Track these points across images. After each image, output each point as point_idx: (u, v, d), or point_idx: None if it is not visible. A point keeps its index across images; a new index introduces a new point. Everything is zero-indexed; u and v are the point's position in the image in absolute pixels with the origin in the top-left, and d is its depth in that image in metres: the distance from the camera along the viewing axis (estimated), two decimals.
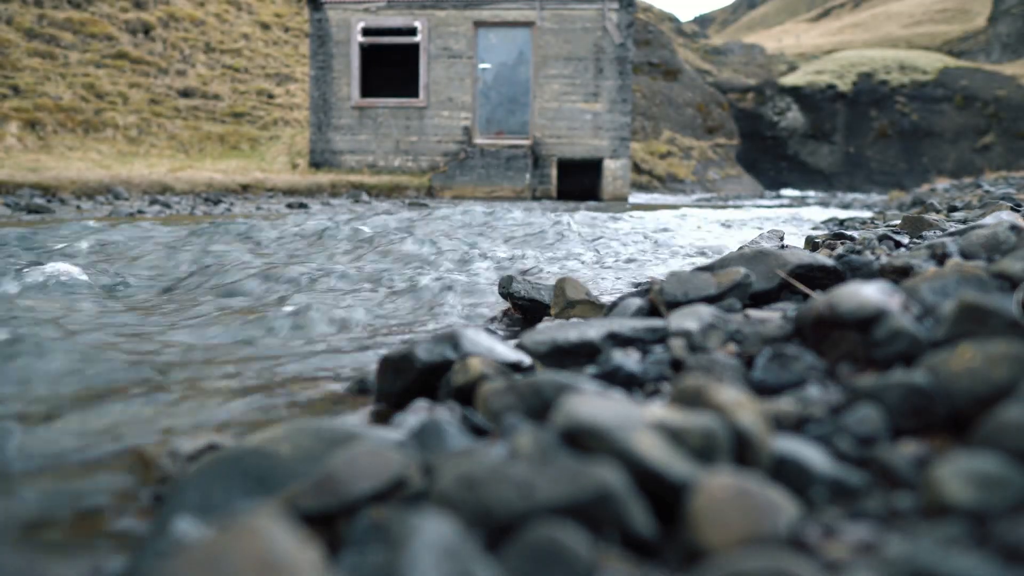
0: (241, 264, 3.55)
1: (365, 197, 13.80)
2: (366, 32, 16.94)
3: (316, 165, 17.18)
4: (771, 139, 37.54)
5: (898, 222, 3.96)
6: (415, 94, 17.32)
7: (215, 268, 3.49)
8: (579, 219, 7.31)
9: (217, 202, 10.81)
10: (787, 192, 31.02)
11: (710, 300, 1.56)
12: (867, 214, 9.30)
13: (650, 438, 0.76)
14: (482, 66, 16.78)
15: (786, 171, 37.49)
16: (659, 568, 0.67)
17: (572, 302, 2.10)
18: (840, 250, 2.36)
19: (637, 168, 26.77)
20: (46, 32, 20.65)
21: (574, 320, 1.91)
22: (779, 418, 0.95)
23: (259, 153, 19.39)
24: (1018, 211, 3.60)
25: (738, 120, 35.69)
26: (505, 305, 2.54)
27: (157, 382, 1.62)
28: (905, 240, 2.69)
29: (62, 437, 1.27)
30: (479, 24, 16.70)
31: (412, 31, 16.87)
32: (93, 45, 21.19)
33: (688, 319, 1.35)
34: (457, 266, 3.85)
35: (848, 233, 3.38)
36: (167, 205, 9.78)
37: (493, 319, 2.47)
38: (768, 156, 37.55)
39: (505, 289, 2.40)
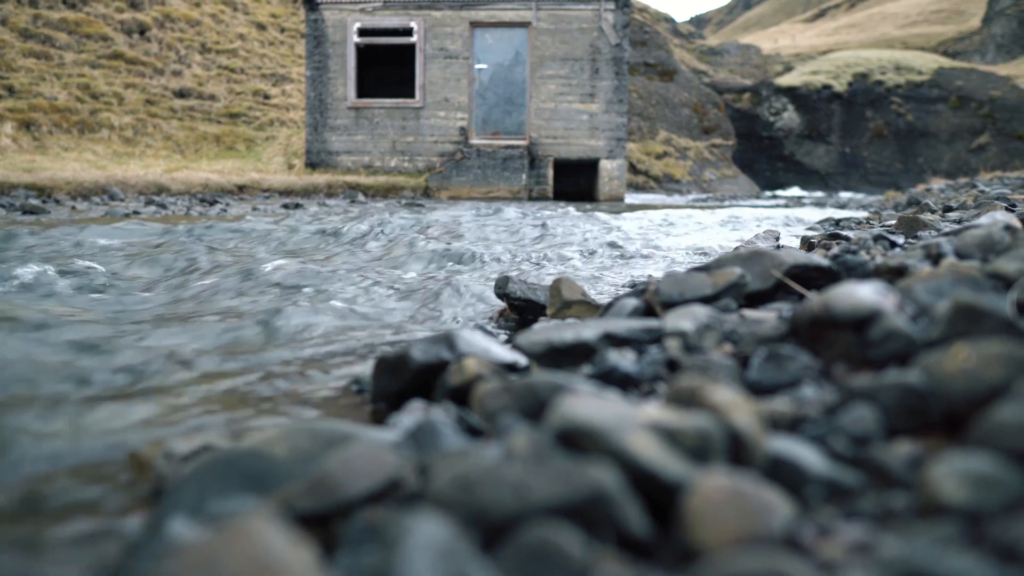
0: (234, 263, 3.54)
1: (361, 198, 13.78)
2: (362, 32, 16.93)
3: (312, 165, 17.15)
4: (767, 139, 37.57)
5: (893, 222, 3.96)
6: (411, 94, 17.31)
7: (208, 268, 3.49)
8: (575, 220, 7.32)
9: (213, 203, 10.78)
10: (783, 192, 31.06)
11: (706, 300, 1.56)
12: (863, 214, 9.31)
13: (645, 438, 0.76)
14: (478, 66, 16.78)
15: (782, 171, 37.53)
16: (654, 568, 0.67)
17: (568, 302, 2.10)
18: (835, 250, 2.37)
19: (633, 168, 26.78)
20: (41, 32, 20.59)
21: (570, 320, 1.91)
22: (774, 418, 0.95)
23: (255, 154, 19.35)
24: (1013, 211, 3.61)
25: (734, 120, 35.72)
26: (501, 305, 2.54)
27: (151, 383, 1.62)
28: (900, 240, 2.69)
29: (56, 438, 1.26)
30: (475, 24, 16.70)
31: (408, 32, 16.85)
32: (88, 45, 21.13)
33: (684, 319, 1.35)
34: (452, 266, 3.85)
35: (844, 233, 3.39)
36: (163, 206, 9.76)
37: (489, 319, 2.46)
38: (764, 156, 37.59)
39: (501, 289, 2.39)
